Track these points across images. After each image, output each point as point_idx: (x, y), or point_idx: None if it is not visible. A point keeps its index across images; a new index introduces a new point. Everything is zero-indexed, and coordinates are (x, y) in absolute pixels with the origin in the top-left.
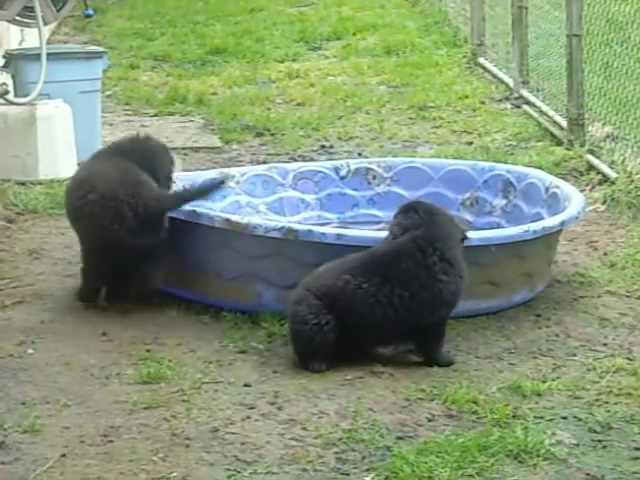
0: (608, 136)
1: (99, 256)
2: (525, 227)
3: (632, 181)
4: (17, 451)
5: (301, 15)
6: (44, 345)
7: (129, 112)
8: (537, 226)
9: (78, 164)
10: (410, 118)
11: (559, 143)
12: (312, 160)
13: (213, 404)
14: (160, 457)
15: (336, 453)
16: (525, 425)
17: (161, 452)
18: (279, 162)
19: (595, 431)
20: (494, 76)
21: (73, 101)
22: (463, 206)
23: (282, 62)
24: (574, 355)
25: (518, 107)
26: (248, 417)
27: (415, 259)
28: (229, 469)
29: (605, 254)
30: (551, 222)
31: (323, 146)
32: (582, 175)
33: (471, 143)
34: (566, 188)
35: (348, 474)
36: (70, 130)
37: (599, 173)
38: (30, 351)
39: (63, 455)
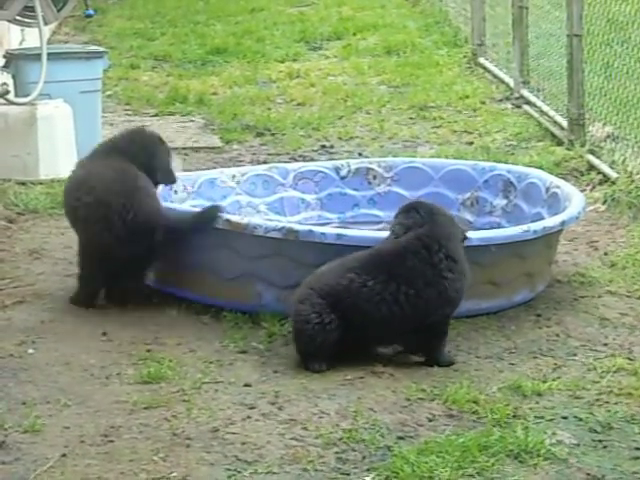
0: (609, 136)
1: (94, 258)
2: (525, 227)
3: (632, 181)
4: (17, 451)
5: (301, 15)
6: (44, 345)
7: (129, 112)
8: (537, 226)
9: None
10: (410, 118)
11: (559, 143)
12: (312, 160)
13: (213, 404)
14: (160, 457)
15: (336, 453)
16: (525, 425)
17: (161, 452)
18: (279, 162)
19: (595, 431)
20: (494, 76)
21: (73, 101)
22: (463, 206)
23: (282, 62)
24: (574, 355)
25: (519, 107)
26: (248, 417)
27: (421, 257)
28: (229, 469)
29: (605, 254)
30: (551, 222)
31: (323, 146)
32: (582, 175)
33: (471, 143)
34: (566, 188)
35: (348, 474)
36: (70, 130)
37: (599, 173)
38: (30, 351)
39: (63, 455)
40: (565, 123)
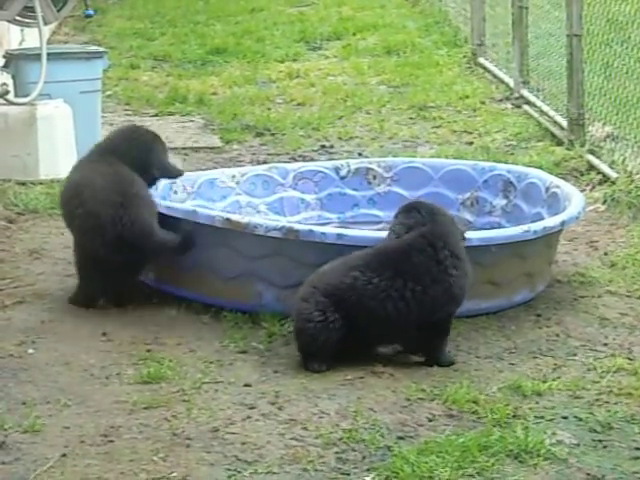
0: (608, 136)
1: (89, 261)
2: (525, 227)
3: (632, 181)
4: (17, 451)
5: (301, 15)
6: (44, 345)
7: (129, 112)
8: (537, 226)
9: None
10: (410, 118)
11: (559, 143)
12: (312, 160)
13: (213, 404)
14: (160, 457)
15: (336, 453)
16: (525, 425)
17: (161, 452)
18: (279, 162)
19: (596, 431)
20: (494, 76)
21: (73, 101)
22: (463, 206)
23: (282, 62)
24: (574, 355)
25: (518, 107)
26: (248, 417)
27: (427, 253)
28: (229, 469)
29: (605, 254)
30: (551, 222)
31: (323, 146)
32: (582, 175)
33: (471, 143)
34: (566, 188)
35: (348, 474)
36: (70, 130)
37: (599, 173)
38: (30, 351)
39: (63, 455)
40: (565, 123)
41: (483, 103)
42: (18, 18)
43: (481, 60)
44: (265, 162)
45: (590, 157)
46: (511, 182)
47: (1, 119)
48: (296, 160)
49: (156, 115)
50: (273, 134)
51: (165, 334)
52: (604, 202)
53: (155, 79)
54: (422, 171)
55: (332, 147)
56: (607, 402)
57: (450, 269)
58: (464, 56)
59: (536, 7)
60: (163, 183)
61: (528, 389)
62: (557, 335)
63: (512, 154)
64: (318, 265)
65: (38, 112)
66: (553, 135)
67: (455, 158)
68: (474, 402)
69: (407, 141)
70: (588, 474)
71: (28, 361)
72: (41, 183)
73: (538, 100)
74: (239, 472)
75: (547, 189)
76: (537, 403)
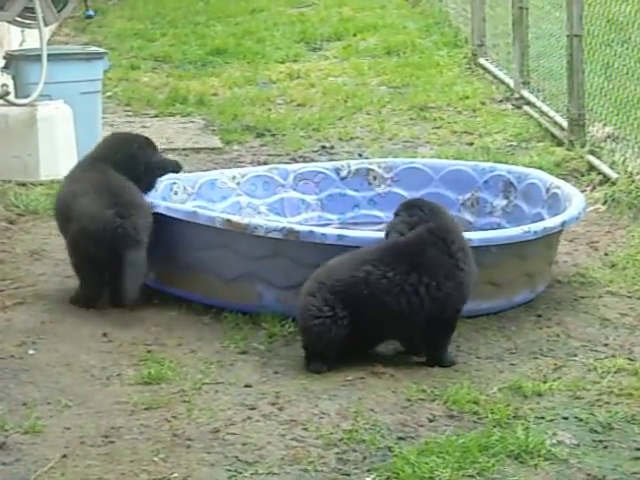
0: (609, 136)
1: (86, 265)
2: (526, 228)
3: (633, 181)
4: (18, 452)
5: (302, 16)
6: (45, 346)
7: (130, 113)
8: (538, 227)
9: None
10: (411, 119)
11: (560, 144)
12: (313, 161)
13: (214, 405)
14: (161, 458)
15: (337, 454)
16: (526, 425)
17: (162, 453)
18: (280, 163)
19: (596, 431)
20: (495, 77)
21: (74, 102)
22: (464, 206)
23: (283, 63)
24: (575, 355)
25: (519, 108)
26: (249, 418)
27: (439, 247)
28: (230, 470)
29: (606, 254)
30: (552, 222)
31: (324, 147)
32: (583, 175)
33: (472, 144)
34: (567, 188)
35: (349, 474)
36: (71, 131)
37: (600, 173)
38: (31, 352)
39: (64, 456)
40: (565, 123)
41: (483, 104)
42: (18, 19)
43: (481, 61)
44: (265, 163)
45: (590, 158)
46: (511, 183)
47: (2, 120)
48: (296, 161)
49: (156, 116)
50: (273, 135)
51: (165, 335)
52: (604, 203)
53: (155, 80)
54: (422, 172)
55: (332, 148)
56: (608, 402)
57: (461, 263)
58: (464, 57)
59: (536, 7)
60: (163, 184)
61: (529, 389)
62: (557, 335)
63: (512, 155)
64: (318, 266)
65: (38, 113)
66: (553, 136)
67: (455, 159)
68: (475, 402)
69: (407, 142)
70: (588, 474)
71: (29, 362)
72: (41, 184)
73: (538, 101)
74: (240, 473)
75: (547, 190)
76: (538, 403)
